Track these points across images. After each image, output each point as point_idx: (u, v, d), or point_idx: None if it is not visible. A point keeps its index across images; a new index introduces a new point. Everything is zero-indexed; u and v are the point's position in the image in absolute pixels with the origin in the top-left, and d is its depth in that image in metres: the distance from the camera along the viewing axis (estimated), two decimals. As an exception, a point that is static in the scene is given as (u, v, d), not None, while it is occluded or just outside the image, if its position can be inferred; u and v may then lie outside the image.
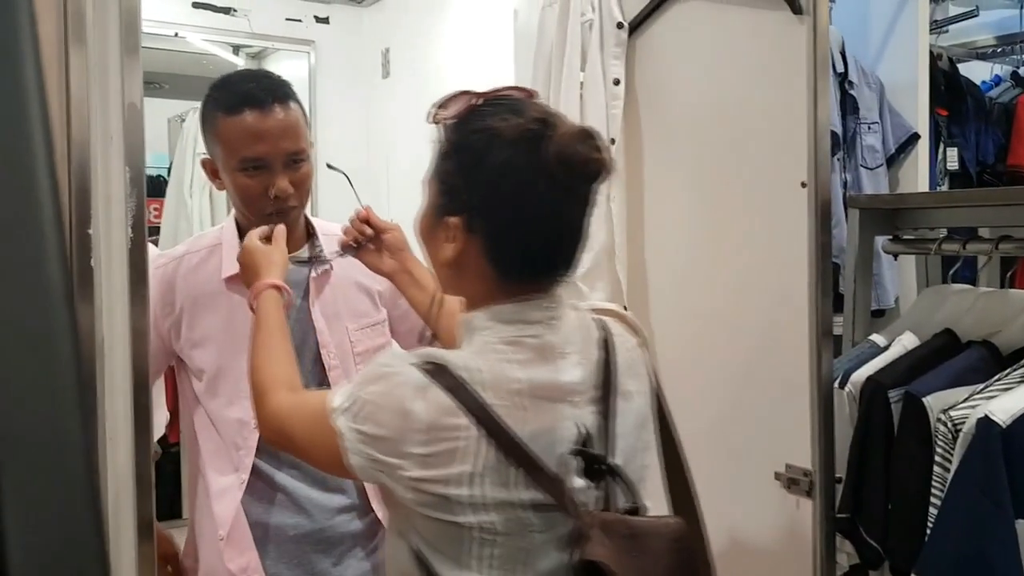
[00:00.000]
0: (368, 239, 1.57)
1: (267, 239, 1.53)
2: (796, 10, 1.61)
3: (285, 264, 1.50)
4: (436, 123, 1.16)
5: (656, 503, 1.23)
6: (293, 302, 1.54)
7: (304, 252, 1.73)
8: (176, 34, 3.45)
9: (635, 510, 1.10)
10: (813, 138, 1.60)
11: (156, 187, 4.18)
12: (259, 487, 1.64)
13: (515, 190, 1.09)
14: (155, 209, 4.10)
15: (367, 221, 1.57)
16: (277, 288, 1.45)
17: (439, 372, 1.08)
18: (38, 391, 0.43)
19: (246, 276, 1.51)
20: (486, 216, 1.11)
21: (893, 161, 3.26)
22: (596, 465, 1.10)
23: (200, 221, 4.08)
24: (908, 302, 3.15)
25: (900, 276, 3.09)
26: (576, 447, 1.09)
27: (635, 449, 1.18)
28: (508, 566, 1.09)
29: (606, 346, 1.17)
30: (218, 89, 1.65)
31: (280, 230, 1.54)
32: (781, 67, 1.67)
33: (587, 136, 1.09)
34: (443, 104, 1.16)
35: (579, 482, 1.09)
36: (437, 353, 1.12)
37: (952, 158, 3.61)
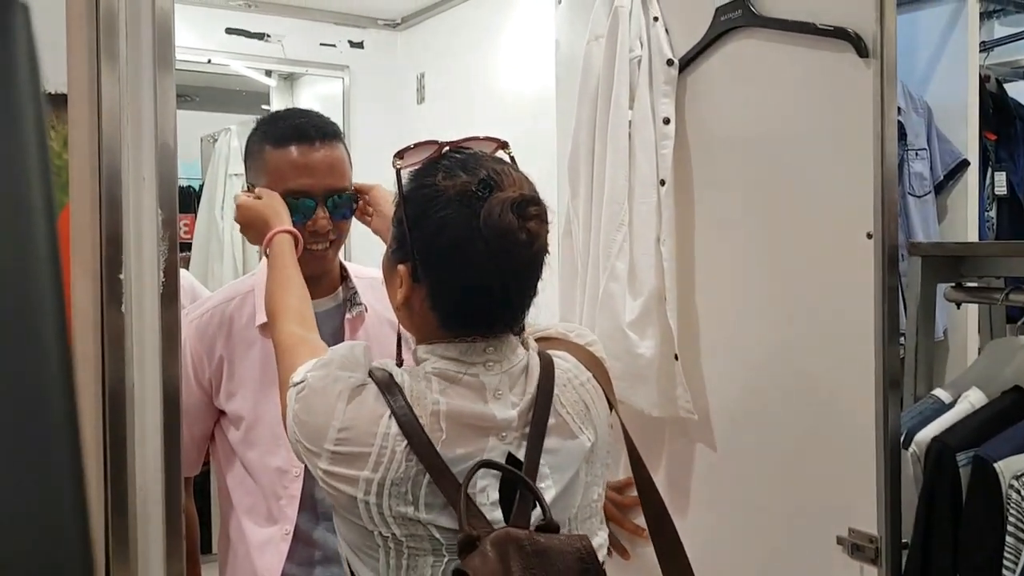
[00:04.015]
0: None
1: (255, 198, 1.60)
2: (862, 53, 1.53)
3: (287, 210, 1.56)
4: (396, 170, 1.19)
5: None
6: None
7: (339, 294, 1.74)
8: (209, 60, 3.42)
9: (547, 528, 1.10)
10: (880, 187, 1.52)
11: (187, 200, 4.16)
12: (296, 541, 1.63)
13: (452, 249, 1.12)
14: (185, 224, 4.08)
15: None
16: (288, 233, 1.52)
17: (387, 382, 1.14)
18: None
19: (254, 231, 1.57)
20: (426, 269, 1.15)
21: (941, 188, 3.18)
22: (513, 484, 1.13)
23: (232, 242, 4.07)
24: (956, 333, 3.07)
25: (949, 307, 3.00)
26: (485, 459, 1.11)
27: (579, 484, 1.20)
28: None
29: (543, 383, 1.18)
30: (267, 123, 1.68)
31: (264, 190, 1.60)
32: (844, 111, 1.59)
33: (522, 203, 1.10)
34: (401, 154, 1.19)
35: (493, 497, 1.13)
36: (391, 365, 1.20)
37: (1000, 183, 3.52)
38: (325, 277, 1.71)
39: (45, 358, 0.41)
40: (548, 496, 1.15)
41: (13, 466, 0.40)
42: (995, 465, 1.50)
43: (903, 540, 1.58)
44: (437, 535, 1.11)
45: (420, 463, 1.10)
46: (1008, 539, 1.47)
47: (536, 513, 1.13)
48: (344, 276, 1.76)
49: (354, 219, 1.71)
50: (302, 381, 1.17)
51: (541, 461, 1.16)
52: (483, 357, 1.16)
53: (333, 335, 1.69)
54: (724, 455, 1.86)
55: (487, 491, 1.13)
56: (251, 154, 1.67)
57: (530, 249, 1.12)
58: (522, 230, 1.10)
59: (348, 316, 1.71)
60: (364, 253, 1.75)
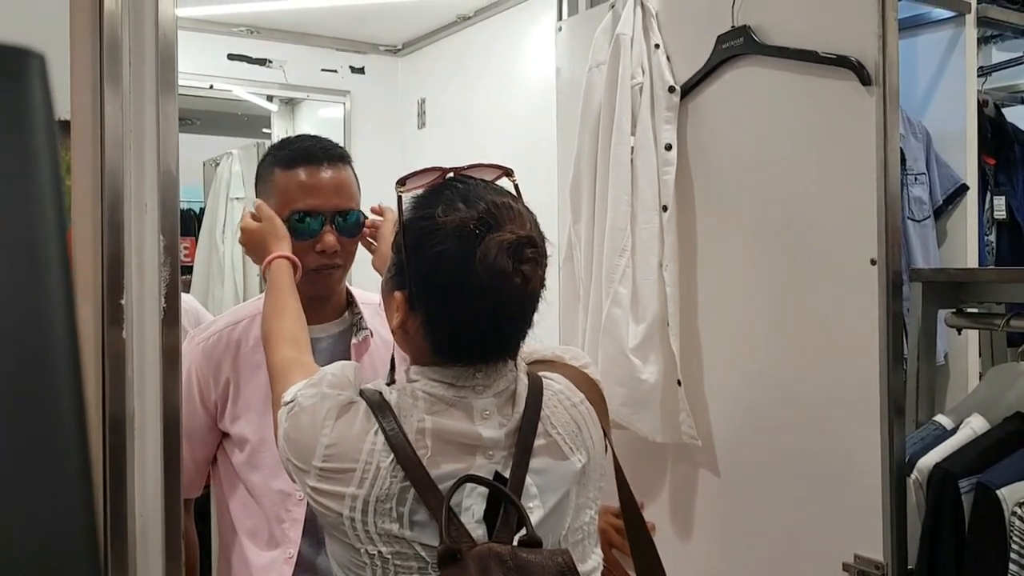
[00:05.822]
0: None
1: (256, 219, 1.60)
2: (864, 80, 1.53)
3: (288, 237, 1.57)
4: (398, 196, 1.19)
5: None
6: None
7: (346, 319, 1.75)
8: (211, 86, 3.43)
9: (530, 543, 1.10)
10: (884, 214, 1.53)
11: (188, 223, 4.16)
12: (299, 568, 1.60)
13: (447, 284, 1.13)
14: (186, 248, 4.07)
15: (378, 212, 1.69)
16: (287, 259, 1.53)
17: (378, 401, 1.15)
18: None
19: (254, 253, 1.58)
20: (422, 299, 1.16)
21: (940, 212, 3.18)
22: (499, 504, 1.13)
23: (233, 265, 4.07)
24: (957, 358, 3.06)
25: (950, 332, 2.99)
26: (469, 474, 1.11)
27: (569, 505, 1.20)
28: None
29: (531, 403, 1.19)
30: (277, 148, 1.72)
31: (261, 204, 1.61)
32: (846, 138, 1.60)
33: (518, 246, 1.11)
34: (403, 180, 1.20)
35: (478, 515, 1.13)
36: (381, 384, 1.22)
37: (999, 207, 3.52)
38: (331, 300, 1.71)
39: (57, 378, 0.43)
40: (536, 516, 1.15)
41: (23, 484, 0.41)
42: (998, 492, 1.49)
43: (909, 567, 1.57)
44: (423, 553, 1.11)
45: (405, 478, 1.10)
46: (1012, 567, 1.46)
47: (521, 534, 1.14)
48: (350, 301, 1.76)
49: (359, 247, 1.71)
50: (292, 400, 1.19)
51: (529, 480, 1.16)
52: (473, 381, 1.17)
53: (339, 359, 1.69)
54: (728, 481, 1.85)
55: (472, 509, 1.13)
56: (261, 178, 1.69)
57: (523, 292, 1.14)
58: (516, 274, 1.11)
59: (354, 341, 1.72)
60: (367, 280, 1.75)
